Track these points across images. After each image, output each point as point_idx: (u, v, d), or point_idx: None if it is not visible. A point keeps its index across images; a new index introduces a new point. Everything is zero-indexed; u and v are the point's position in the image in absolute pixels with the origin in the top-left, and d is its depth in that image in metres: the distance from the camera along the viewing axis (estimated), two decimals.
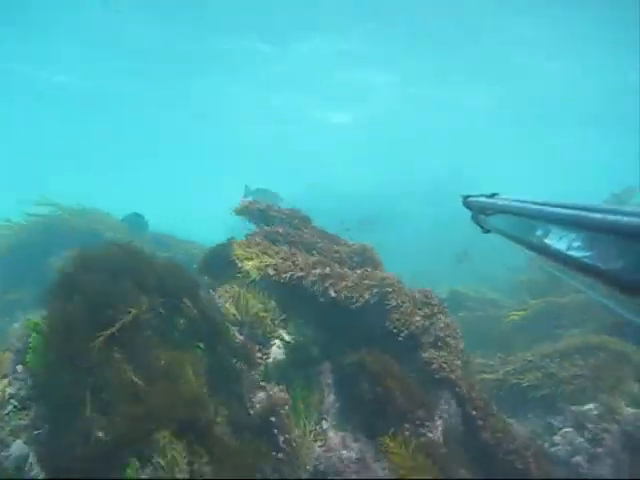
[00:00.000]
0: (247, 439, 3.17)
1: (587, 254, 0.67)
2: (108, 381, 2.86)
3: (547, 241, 0.83)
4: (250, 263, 4.16)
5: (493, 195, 1.23)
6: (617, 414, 4.77)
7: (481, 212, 1.28)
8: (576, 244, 0.71)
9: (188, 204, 39.04)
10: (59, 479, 2.57)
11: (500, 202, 1.14)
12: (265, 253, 4.35)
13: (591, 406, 4.93)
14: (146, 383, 2.92)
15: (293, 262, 4.22)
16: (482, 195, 1.28)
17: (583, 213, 0.68)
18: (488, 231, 1.25)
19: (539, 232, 0.87)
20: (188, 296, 3.57)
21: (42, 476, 2.61)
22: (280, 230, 5.00)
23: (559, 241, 0.78)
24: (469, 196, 1.38)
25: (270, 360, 3.86)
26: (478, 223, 1.31)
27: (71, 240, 7.54)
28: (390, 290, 4.24)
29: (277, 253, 4.40)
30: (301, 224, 5.36)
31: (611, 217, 0.60)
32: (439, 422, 3.81)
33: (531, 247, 0.90)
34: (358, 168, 32.74)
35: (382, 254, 5.38)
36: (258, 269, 4.10)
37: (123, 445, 2.60)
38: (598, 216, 0.64)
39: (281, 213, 5.43)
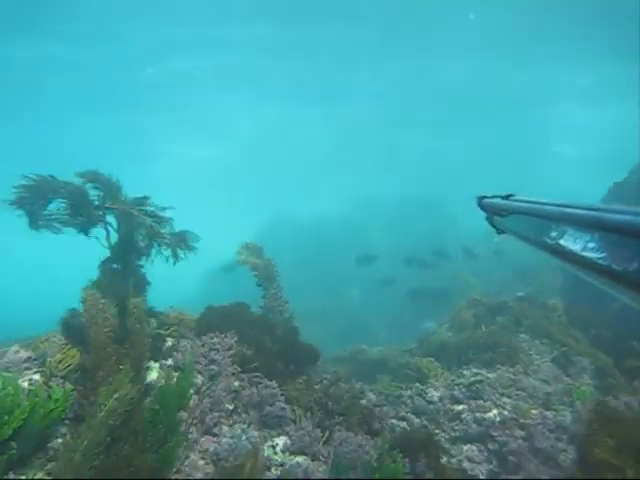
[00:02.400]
0: None
1: (602, 255, 0.66)
2: None
3: (562, 242, 0.82)
4: None
5: (508, 196, 1.21)
6: None
7: (496, 213, 1.26)
8: (591, 245, 0.70)
9: None
10: None
11: (515, 203, 1.12)
12: None
13: None
14: None
15: None
16: (497, 196, 1.27)
17: (598, 214, 0.67)
18: (503, 232, 1.24)
19: (554, 233, 0.86)
20: None
21: None
22: None
23: (574, 242, 0.77)
24: (484, 197, 1.37)
25: None
26: (493, 224, 1.30)
27: None
28: None
29: None
30: None
31: (627, 217, 0.59)
32: None
33: (546, 248, 0.89)
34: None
35: None
36: None
37: None
38: (614, 216, 0.63)
39: None
